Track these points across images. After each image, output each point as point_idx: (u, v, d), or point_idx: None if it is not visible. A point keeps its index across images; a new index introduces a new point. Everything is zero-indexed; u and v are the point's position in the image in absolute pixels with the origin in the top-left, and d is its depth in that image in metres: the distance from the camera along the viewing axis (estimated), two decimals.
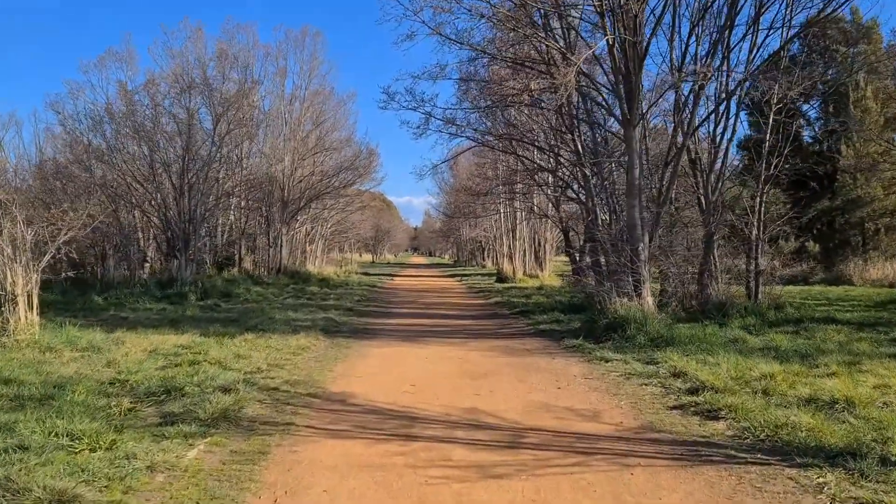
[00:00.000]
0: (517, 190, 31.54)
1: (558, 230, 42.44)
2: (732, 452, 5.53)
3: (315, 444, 5.89)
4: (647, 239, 12.91)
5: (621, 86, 12.33)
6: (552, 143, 19.63)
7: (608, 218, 16.59)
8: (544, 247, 39.11)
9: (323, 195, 34.65)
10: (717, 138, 14.88)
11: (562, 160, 22.36)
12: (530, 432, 6.23)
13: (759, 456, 5.41)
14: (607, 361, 10.00)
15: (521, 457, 5.50)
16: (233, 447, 5.70)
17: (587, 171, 16.85)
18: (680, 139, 13.43)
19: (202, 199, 22.86)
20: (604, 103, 13.01)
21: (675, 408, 7.14)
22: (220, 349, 10.86)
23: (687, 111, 13.70)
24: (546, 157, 22.99)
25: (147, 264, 25.94)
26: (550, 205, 33.27)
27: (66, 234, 11.11)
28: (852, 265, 34.51)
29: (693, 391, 7.66)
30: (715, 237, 15.89)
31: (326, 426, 6.48)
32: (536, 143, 19.80)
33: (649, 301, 12.52)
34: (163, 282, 22.06)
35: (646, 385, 8.32)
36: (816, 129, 38.06)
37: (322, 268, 42.25)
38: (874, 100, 34.30)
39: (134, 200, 22.76)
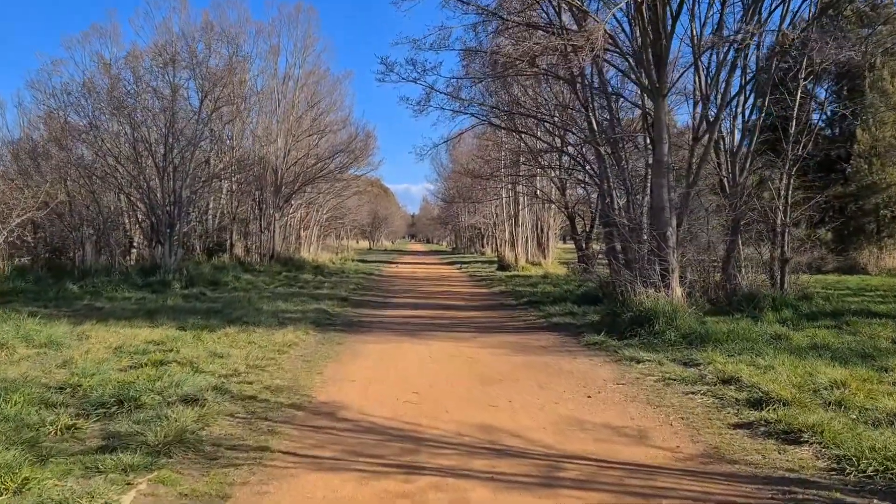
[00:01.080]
0: (521, 173, 30.18)
1: (562, 216, 41.24)
2: (839, 496, 4.22)
3: (292, 479, 4.57)
4: (674, 223, 11.57)
5: (648, 51, 10.95)
6: (562, 120, 18.23)
7: (626, 201, 15.25)
8: (547, 234, 37.73)
9: (317, 179, 33.24)
10: (747, 112, 13.48)
11: (570, 140, 21.00)
12: (567, 462, 4.91)
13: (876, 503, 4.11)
14: (639, 362, 8.69)
15: (563, 502, 4.19)
16: (184, 487, 4.37)
17: (602, 150, 15.48)
18: (713, 112, 12.04)
19: (188, 181, 21.43)
20: (632, 69, 11.59)
21: (739, 426, 5.83)
22: (196, 346, 9.54)
23: (721, 80, 12.33)
24: (553, 137, 21.60)
25: (134, 250, 24.60)
26: (555, 189, 31.93)
27: (19, 215, 9.71)
28: (867, 253, 33.31)
29: (755, 404, 6.34)
30: (742, 222, 14.59)
31: (309, 451, 5.17)
32: (544, 120, 18.37)
33: (678, 292, 11.21)
34: (146, 269, 20.69)
35: (692, 394, 7.01)
36: (828, 112, 36.75)
37: (317, 255, 40.91)
38: (891, 82, 32.95)
39: (117, 182, 21.35)
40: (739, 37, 10.81)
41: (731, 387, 7.08)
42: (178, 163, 20.48)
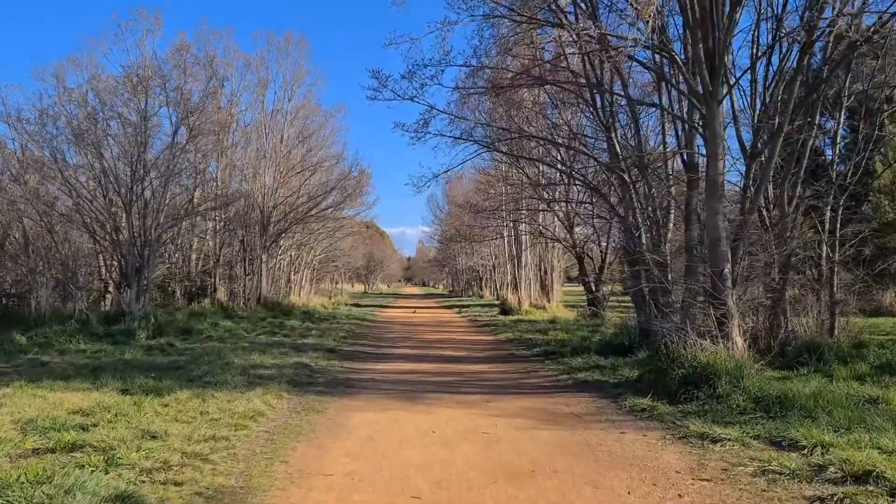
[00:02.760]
0: (526, 208, 28.20)
1: (567, 256, 39.22)
2: None
3: None
4: (730, 257, 9.47)
5: (699, 46, 8.99)
6: (574, 144, 16.27)
7: (654, 235, 13.23)
8: (551, 275, 35.61)
9: (308, 218, 31.20)
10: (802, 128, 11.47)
11: (581, 170, 19.08)
12: None
13: None
14: (714, 441, 6.50)
15: None
16: None
17: (626, 177, 13.49)
18: (777, 120, 10.02)
19: (161, 219, 19.36)
20: (678, 70, 9.57)
21: None
22: (129, 420, 7.34)
23: (775, 85, 10.37)
24: (563, 167, 19.67)
25: (109, 295, 22.42)
26: (560, 227, 29.96)
27: None
28: (891, 294, 31.33)
29: None
30: (793, 259, 12.54)
31: None
32: (556, 143, 16.37)
33: (739, 343, 9.06)
34: (110, 316, 18.45)
35: (823, 502, 4.82)
36: (840, 147, 35.13)
37: (308, 299, 38.66)
38: None
39: (82, 220, 19.26)
40: (805, 31, 8.87)
41: (872, 487, 4.91)
42: (149, 198, 18.43)
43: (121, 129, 17.81)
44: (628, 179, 13.53)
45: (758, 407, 7.75)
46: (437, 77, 12.05)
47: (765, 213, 13.62)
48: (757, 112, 10.97)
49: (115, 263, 21.31)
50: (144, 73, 18.08)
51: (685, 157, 12.79)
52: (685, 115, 11.67)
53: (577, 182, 24.22)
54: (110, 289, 22.59)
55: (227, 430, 7.01)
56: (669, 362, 9.09)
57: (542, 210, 28.65)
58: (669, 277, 12.59)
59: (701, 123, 9.89)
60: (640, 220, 13.48)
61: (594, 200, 23.33)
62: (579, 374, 11.27)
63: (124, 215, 17.83)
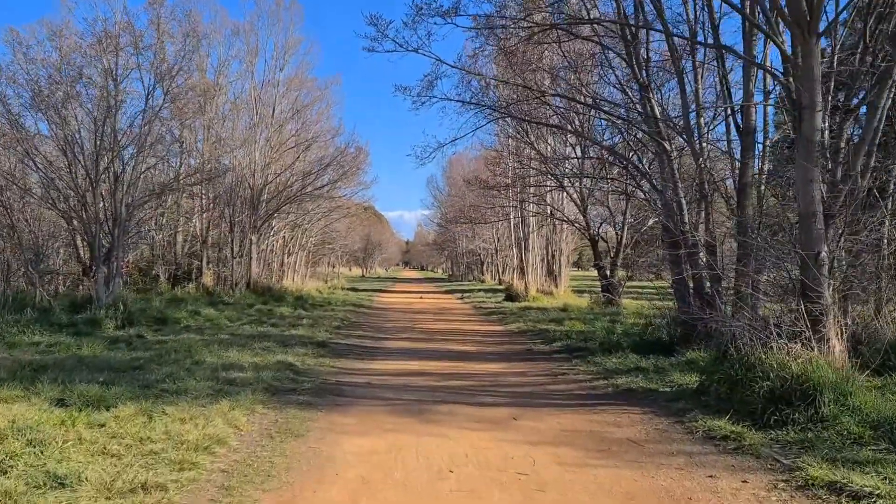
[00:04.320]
0: (535, 185, 26.19)
1: (575, 240, 37.26)
2: None
3: None
4: (828, 237, 7.50)
5: None
6: (602, 110, 14.22)
7: (703, 213, 11.26)
8: (559, 259, 33.63)
9: (302, 197, 29.16)
10: None
11: (596, 143, 17.07)
12: None
13: None
14: (855, 498, 4.57)
15: None
16: None
17: (668, 145, 11.51)
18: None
19: (136, 195, 17.36)
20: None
21: None
22: (41, 454, 5.41)
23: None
24: (584, 136, 17.65)
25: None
26: (570, 208, 27.99)
27: None
28: None
29: None
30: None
31: None
32: (588, 104, 14.27)
33: (837, 347, 7.10)
34: (77, 303, 16.47)
35: None
36: None
37: (303, 283, 36.72)
38: None
39: (48, 196, 17.25)
40: None
41: None
42: (120, 172, 16.39)
43: (85, 91, 15.73)
44: (670, 148, 11.54)
45: (879, 436, 5.84)
46: (451, 16, 9.96)
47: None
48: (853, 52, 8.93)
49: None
50: (114, 30, 15.97)
51: (739, 120, 10.79)
52: (759, 61, 9.62)
53: (592, 156, 22.30)
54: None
55: (168, 472, 5.06)
56: (745, 370, 7.15)
57: (553, 189, 26.68)
58: (721, 262, 10.65)
59: (789, 67, 7.85)
60: (682, 195, 11.50)
61: (609, 176, 21.38)
62: (619, 379, 9.32)
63: (90, 189, 15.79)
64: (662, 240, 12.77)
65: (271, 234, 30.96)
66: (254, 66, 27.93)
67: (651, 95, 11.54)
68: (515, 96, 14.89)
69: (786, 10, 7.15)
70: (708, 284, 11.33)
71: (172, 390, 8.06)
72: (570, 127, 17.11)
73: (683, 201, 11.49)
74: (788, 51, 7.71)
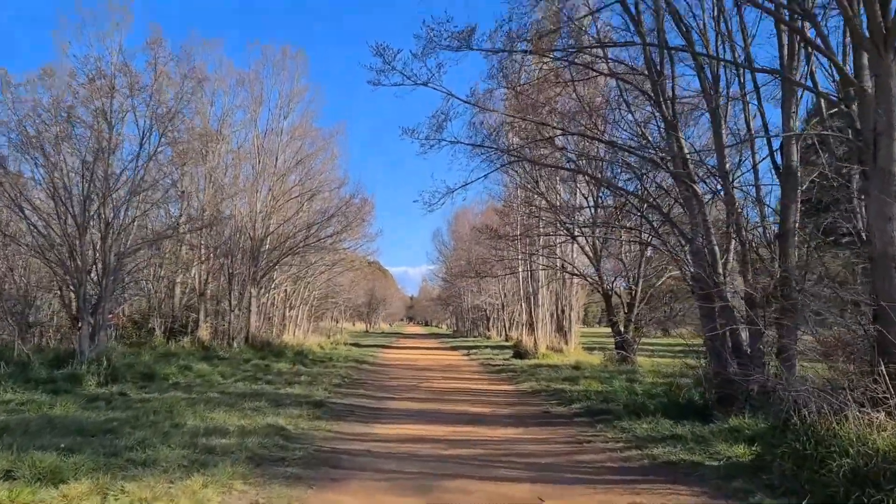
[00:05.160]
0: (544, 234, 25.24)
1: (585, 294, 36.16)
2: None
3: None
4: None
5: None
6: (622, 151, 13.33)
7: (741, 262, 10.23)
8: (569, 315, 32.45)
9: (304, 249, 28.23)
10: None
11: (618, 183, 16.17)
12: None
13: None
14: None
15: None
16: None
17: (697, 188, 10.57)
18: None
19: (122, 242, 16.44)
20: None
21: None
22: None
23: None
24: (600, 180, 16.75)
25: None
26: (581, 261, 26.99)
27: None
28: None
29: None
30: None
31: None
32: (605, 140, 13.30)
33: None
34: (60, 357, 15.39)
35: None
36: None
37: (305, 338, 35.53)
38: None
39: (35, 244, 16.33)
40: None
41: None
42: (111, 218, 15.50)
43: (77, 133, 14.97)
44: (700, 191, 10.60)
45: None
46: (469, 36, 9.14)
47: None
48: None
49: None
50: (108, 70, 15.30)
51: (778, 159, 9.87)
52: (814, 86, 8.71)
53: (607, 205, 21.44)
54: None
55: None
56: (815, 444, 6.02)
57: (564, 241, 25.74)
58: (764, 315, 9.57)
59: (851, 92, 6.93)
60: (714, 242, 10.51)
61: (626, 226, 20.44)
62: (655, 450, 8.14)
63: (76, 237, 14.87)
64: (693, 292, 11.70)
65: (272, 286, 29.97)
66: (257, 115, 27.44)
67: (679, 134, 10.65)
68: (528, 140, 14.06)
69: (857, 25, 6.25)
70: (746, 341, 10.25)
71: (140, 461, 6.95)
72: (584, 171, 16.19)
73: (717, 249, 10.49)
74: (850, 72, 6.80)
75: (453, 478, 6.90)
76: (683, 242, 12.94)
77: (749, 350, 9.91)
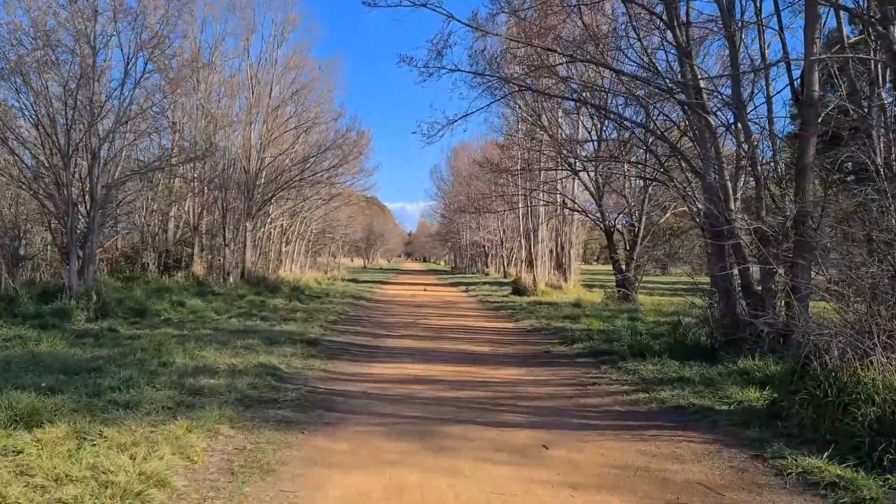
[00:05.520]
0: (545, 168, 24.66)
1: (586, 231, 35.74)
2: None
3: None
4: None
5: None
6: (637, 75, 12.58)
7: (756, 199, 9.72)
8: (568, 252, 32.08)
9: (301, 183, 27.60)
10: None
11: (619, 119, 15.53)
12: None
13: None
14: None
15: None
16: None
17: (712, 119, 9.98)
18: None
19: (110, 173, 15.87)
20: None
21: None
22: None
23: None
24: (605, 112, 16.08)
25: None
26: (581, 197, 26.45)
27: None
28: None
29: None
30: None
31: None
32: (614, 67, 12.51)
33: None
34: (49, 291, 15.00)
35: None
36: None
37: (302, 273, 35.25)
38: None
39: (18, 175, 15.75)
40: None
41: None
42: (97, 149, 14.88)
43: (58, 59, 14.18)
44: (714, 122, 10.01)
45: None
46: None
47: None
48: None
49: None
50: None
51: (799, 86, 9.26)
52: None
53: (612, 139, 20.81)
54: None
55: None
56: (837, 391, 5.65)
57: (566, 177, 25.14)
58: (777, 254, 9.13)
59: (892, 12, 6.31)
60: (727, 177, 9.99)
61: (631, 160, 19.86)
62: (662, 393, 7.81)
63: (61, 166, 14.26)
64: (702, 229, 11.25)
65: (268, 221, 29.46)
66: (250, 44, 26.40)
67: (694, 62, 9.99)
68: (531, 68, 13.32)
69: None
70: (756, 281, 9.84)
71: (123, 402, 6.59)
72: (589, 102, 15.47)
73: (729, 184, 9.97)
74: None
75: (453, 423, 6.57)
76: (692, 177, 12.43)
77: (760, 290, 9.50)
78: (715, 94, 9.99)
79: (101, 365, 8.65)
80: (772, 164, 10.34)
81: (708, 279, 11.96)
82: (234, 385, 7.59)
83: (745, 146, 9.30)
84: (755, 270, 9.92)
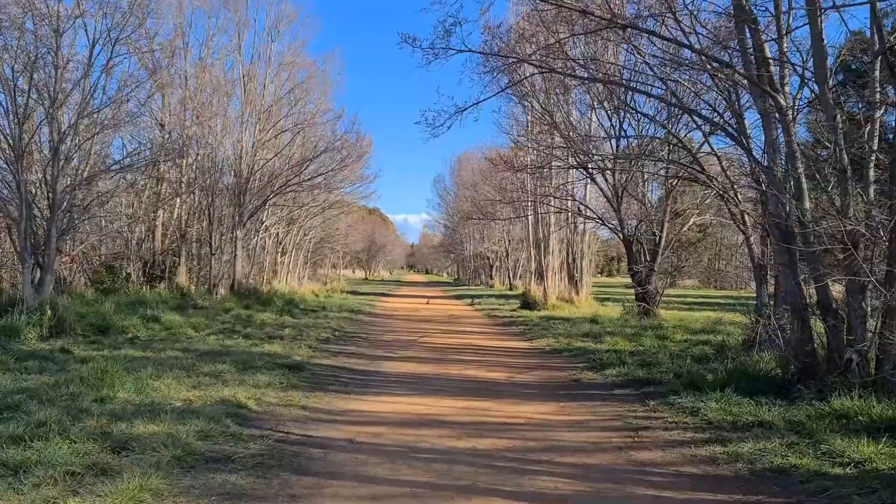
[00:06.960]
0: (559, 168, 22.89)
1: (598, 242, 33.95)
2: None
3: None
4: None
5: None
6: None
7: (842, 195, 7.88)
8: (580, 263, 30.19)
9: (296, 187, 25.80)
10: None
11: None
12: None
13: None
14: None
15: None
16: None
17: (781, 100, 8.15)
18: None
19: (84, 172, 14.10)
20: None
21: None
22: None
23: None
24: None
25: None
26: (601, 202, 24.60)
27: None
28: None
29: None
30: None
31: None
32: (662, 35, 10.59)
33: None
34: (1, 304, 13.22)
35: None
36: None
37: (299, 285, 33.46)
38: None
39: None
40: None
41: None
42: (55, 142, 13.10)
43: (11, 40, 12.44)
44: (783, 104, 8.18)
45: None
46: None
47: None
48: None
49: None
50: None
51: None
52: None
53: (637, 136, 19.03)
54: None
55: None
56: None
57: (579, 180, 23.40)
58: (871, 263, 7.28)
59: None
60: (801, 169, 8.15)
61: (663, 158, 17.99)
62: (743, 446, 5.88)
63: (10, 162, 12.47)
64: (769, 233, 9.39)
65: (262, 230, 27.66)
66: (242, 41, 24.68)
67: (760, 28, 8.18)
68: (552, 46, 11.51)
69: None
70: (836, 297, 8.00)
71: (15, 463, 4.75)
72: (619, 83, 13.57)
73: (803, 178, 8.13)
74: None
75: (471, 493, 4.71)
76: (734, 175, 10.61)
77: (847, 309, 7.64)
78: (788, 64, 8.13)
79: (19, 401, 6.81)
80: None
81: (751, 293, 10.19)
82: (177, 434, 5.72)
83: (833, 129, 7.44)
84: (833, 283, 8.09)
